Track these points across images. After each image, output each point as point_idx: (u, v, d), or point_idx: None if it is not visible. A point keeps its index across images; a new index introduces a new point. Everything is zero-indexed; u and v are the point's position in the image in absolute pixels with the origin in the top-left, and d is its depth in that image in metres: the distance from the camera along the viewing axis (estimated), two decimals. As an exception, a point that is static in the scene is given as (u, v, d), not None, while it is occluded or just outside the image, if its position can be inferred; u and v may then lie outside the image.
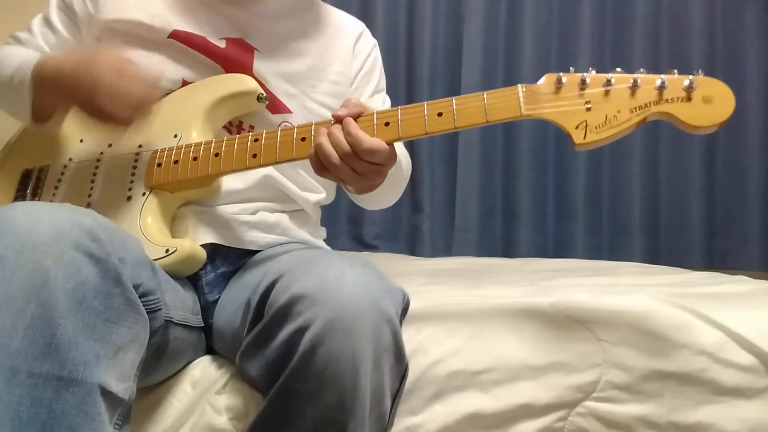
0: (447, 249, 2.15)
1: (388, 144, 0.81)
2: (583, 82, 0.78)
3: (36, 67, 0.91)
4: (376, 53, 1.17)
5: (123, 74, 0.85)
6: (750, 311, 0.97)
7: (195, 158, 0.91)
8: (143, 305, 0.69)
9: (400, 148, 1.06)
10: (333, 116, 0.83)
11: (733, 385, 0.87)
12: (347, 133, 0.80)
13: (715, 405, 0.86)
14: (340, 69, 1.08)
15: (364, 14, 2.19)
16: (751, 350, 0.88)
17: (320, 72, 1.06)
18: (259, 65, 1.00)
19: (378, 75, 1.15)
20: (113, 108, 0.85)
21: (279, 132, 0.88)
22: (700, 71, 0.75)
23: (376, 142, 0.80)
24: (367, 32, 1.17)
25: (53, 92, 0.91)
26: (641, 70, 0.77)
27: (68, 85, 0.87)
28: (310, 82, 1.04)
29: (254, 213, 0.98)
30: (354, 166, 0.80)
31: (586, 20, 2.14)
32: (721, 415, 0.86)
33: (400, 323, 0.76)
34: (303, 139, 0.87)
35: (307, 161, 1.02)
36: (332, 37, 1.10)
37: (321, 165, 0.82)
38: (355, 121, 0.82)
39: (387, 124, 0.83)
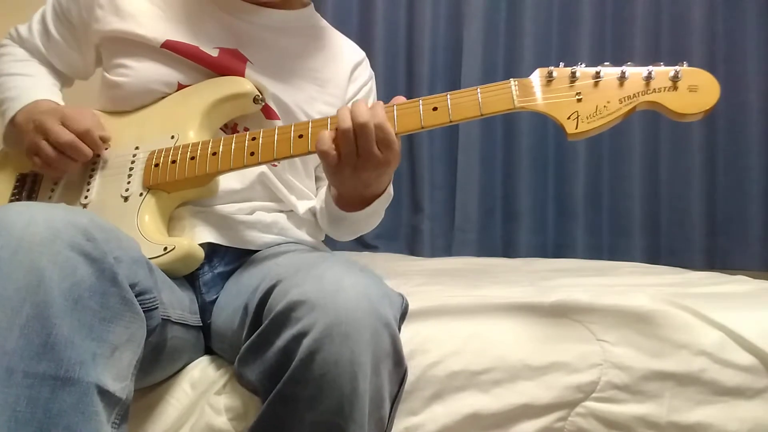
0: (447, 249, 2.16)
1: None
2: (573, 74, 0.81)
3: (21, 111, 0.97)
4: (373, 84, 1.18)
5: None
6: (750, 311, 0.97)
7: (192, 158, 0.91)
8: (140, 304, 0.69)
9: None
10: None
11: (733, 385, 0.87)
12: (372, 107, 0.82)
13: (715, 405, 0.86)
14: (335, 92, 1.08)
15: (364, 14, 2.19)
16: (751, 350, 0.88)
17: (315, 92, 1.05)
18: (250, 74, 0.99)
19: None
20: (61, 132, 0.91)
21: (276, 130, 0.88)
22: (685, 62, 0.78)
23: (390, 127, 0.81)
24: (367, 62, 1.17)
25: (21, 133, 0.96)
26: (628, 63, 0.80)
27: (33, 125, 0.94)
28: (305, 99, 1.04)
29: (251, 213, 0.98)
30: (360, 140, 0.80)
31: (586, 20, 2.15)
32: (720, 415, 0.86)
33: (399, 328, 0.76)
34: (300, 137, 0.87)
35: (297, 167, 1.03)
36: (331, 60, 1.10)
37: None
38: (329, 119, 0.85)
39: None
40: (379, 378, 0.71)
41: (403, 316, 0.81)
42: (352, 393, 0.67)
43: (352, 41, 1.18)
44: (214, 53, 0.99)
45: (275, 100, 1.01)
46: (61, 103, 1.02)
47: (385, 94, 2.10)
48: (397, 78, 2.19)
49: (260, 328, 0.73)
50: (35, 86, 1.02)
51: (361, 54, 1.16)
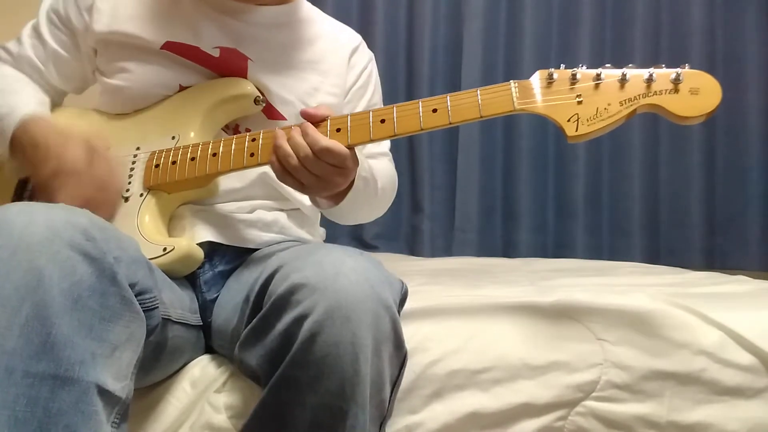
0: (447, 249, 2.16)
1: (349, 147, 0.83)
2: (574, 76, 0.80)
3: (20, 125, 0.91)
4: (372, 67, 1.17)
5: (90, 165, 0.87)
6: (750, 311, 0.97)
7: (193, 158, 0.91)
8: (139, 304, 0.69)
9: (388, 168, 1.08)
10: (300, 112, 0.87)
11: (733, 385, 0.87)
12: (305, 134, 0.82)
13: (715, 405, 0.86)
14: (336, 81, 1.08)
15: (364, 14, 2.19)
16: (751, 350, 0.88)
17: (317, 82, 1.05)
18: (252, 74, 1.00)
19: (372, 89, 1.15)
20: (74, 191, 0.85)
21: (276, 131, 0.88)
22: (687, 65, 0.78)
23: (333, 143, 0.82)
24: (364, 45, 1.17)
25: (24, 156, 0.91)
26: (630, 65, 0.80)
27: (36, 160, 0.88)
28: (307, 91, 1.04)
29: (252, 211, 0.99)
30: (312, 168, 0.82)
31: (586, 20, 2.14)
32: (720, 415, 0.86)
33: (399, 312, 0.76)
34: None
35: None
36: (328, 49, 1.09)
37: (281, 168, 0.84)
38: (329, 121, 0.85)
39: (383, 121, 0.84)
40: (380, 360, 0.71)
41: (402, 300, 0.81)
42: (353, 375, 0.68)
43: (347, 26, 1.17)
44: (215, 53, 0.99)
45: (278, 97, 1.01)
46: (49, 115, 0.98)
47: (386, 94, 2.09)
48: (397, 78, 2.19)
49: (261, 312, 0.73)
50: (24, 102, 0.97)
51: (356, 38, 1.16)
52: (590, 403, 0.87)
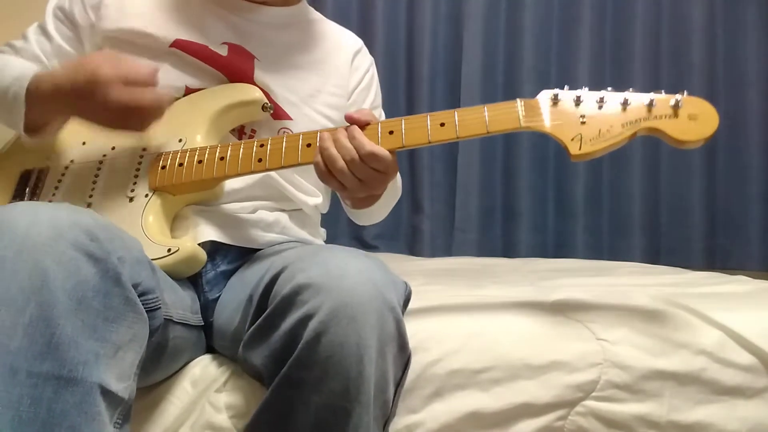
0: (447, 249, 2.16)
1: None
2: (578, 98, 0.83)
3: (32, 81, 0.89)
4: (374, 70, 1.19)
5: (126, 77, 0.84)
6: (750, 311, 0.97)
7: (200, 161, 0.92)
8: (142, 304, 0.69)
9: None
10: (345, 116, 0.88)
11: (732, 385, 0.87)
12: (352, 138, 0.83)
13: (715, 405, 0.87)
14: (339, 82, 1.10)
15: (364, 14, 2.19)
16: (751, 350, 0.88)
17: (319, 84, 1.07)
18: (259, 73, 1.00)
19: (374, 92, 1.18)
20: (122, 112, 0.84)
21: (285, 138, 0.89)
22: (685, 91, 0.81)
23: (378, 148, 0.83)
24: (365, 49, 1.19)
25: (50, 106, 0.89)
26: (630, 89, 0.83)
27: (68, 96, 0.85)
28: (310, 92, 1.05)
29: (253, 211, 0.99)
30: (356, 172, 0.83)
31: (586, 20, 2.15)
32: (720, 415, 0.86)
33: (402, 313, 0.77)
34: (308, 145, 0.88)
35: (305, 167, 1.04)
36: (331, 51, 1.11)
37: (326, 170, 0.84)
38: (363, 129, 0.85)
39: (391, 132, 0.86)
40: (384, 361, 0.71)
41: (406, 301, 0.82)
42: (358, 376, 0.68)
43: (348, 30, 1.19)
44: (223, 50, 0.99)
45: (282, 97, 1.01)
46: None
47: (386, 94, 2.09)
48: (397, 78, 2.19)
49: (266, 312, 0.73)
50: (32, 66, 0.96)
51: (359, 42, 1.18)
52: (590, 403, 0.87)
